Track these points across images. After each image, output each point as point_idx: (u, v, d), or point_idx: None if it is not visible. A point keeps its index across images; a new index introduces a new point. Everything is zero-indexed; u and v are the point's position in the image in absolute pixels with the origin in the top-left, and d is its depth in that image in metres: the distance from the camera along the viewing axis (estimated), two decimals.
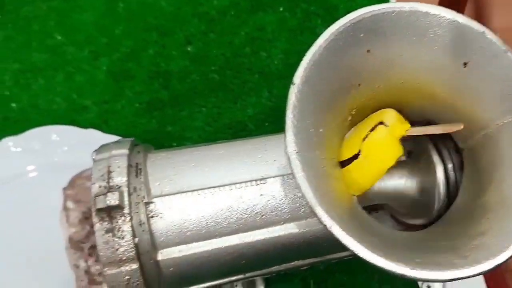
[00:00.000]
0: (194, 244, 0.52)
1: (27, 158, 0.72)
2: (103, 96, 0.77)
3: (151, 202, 0.50)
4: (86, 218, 0.67)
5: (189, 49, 0.80)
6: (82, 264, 0.65)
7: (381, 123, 0.50)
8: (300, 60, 0.43)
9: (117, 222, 0.49)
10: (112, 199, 0.49)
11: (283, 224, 0.52)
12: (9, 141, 0.71)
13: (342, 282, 0.68)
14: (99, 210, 0.49)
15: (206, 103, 0.76)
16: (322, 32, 0.46)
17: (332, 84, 0.50)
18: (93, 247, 0.66)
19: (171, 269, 0.52)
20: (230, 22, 0.81)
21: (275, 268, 0.55)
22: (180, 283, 0.52)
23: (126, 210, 0.50)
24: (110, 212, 0.49)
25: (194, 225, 0.51)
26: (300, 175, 0.42)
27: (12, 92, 0.77)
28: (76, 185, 0.69)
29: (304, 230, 0.52)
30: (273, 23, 0.80)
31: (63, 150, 0.74)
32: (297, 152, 0.44)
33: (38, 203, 0.69)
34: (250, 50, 0.78)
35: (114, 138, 0.71)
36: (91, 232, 0.67)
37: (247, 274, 0.55)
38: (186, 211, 0.51)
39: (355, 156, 0.50)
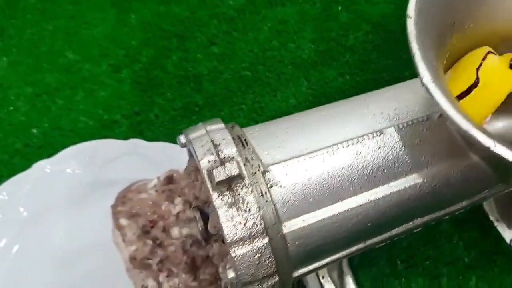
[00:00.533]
0: (318, 212, 0.47)
1: (66, 179, 0.65)
2: (133, 108, 0.71)
3: (267, 171, 0.46)
4: (145, 232, 0.60)
5: (214, 50, 0.77)
6: (152, 283, 0.58)
7: (489, 52, 0.49)
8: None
9: (239, 194, 0.44)
10: (232, 169, 0.44)
11: (405, 176, 0.49)
12: (45, 164, 0.64)
13: (427, 255, 0.65)
14: (219, 184, 0.43)
15: (245, 100, 0.72)
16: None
17: (436, 20, 0.48)
18: (162, 261, 0.59)
19: (297, 242, 0.47)
20: (250, 19, 0.78)
21: (394, 231, 0.51)
22: (305, 258, 0.47)
23: (247, 180, 0.45)
24: (230, 185, 0.44)
25: (316, 190, 0.47)
26: (447, 105, 0.40)
27: (30, 117, 0.70)
28: (128, 200, 0.62)
29: (428, 180, 0.49)
30: (294, 15, 0.78)
31: (103, 165, 0.67)
32: (433, 82, 0.41)
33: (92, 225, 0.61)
34: (278, 43, 0.76)
35: (159, 145, 0.66)
36: (156, 246, 0.60)
37: (367, 242, 0.50)
38: (305, 176, 0.47)
39: (470, 89, 0.48)
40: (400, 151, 0.49)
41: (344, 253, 0.51)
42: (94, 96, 0.72)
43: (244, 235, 0.44)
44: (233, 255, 0.44)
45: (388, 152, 0.49)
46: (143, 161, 0.67)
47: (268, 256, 0.45)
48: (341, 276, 0.62)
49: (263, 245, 0.45)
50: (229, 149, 0.46)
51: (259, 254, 0.45)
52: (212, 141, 0.47)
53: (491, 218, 0.65)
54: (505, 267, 0.62)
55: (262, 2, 0.80)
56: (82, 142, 0.66)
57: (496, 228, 0.64)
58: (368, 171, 0.48)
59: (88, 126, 0.70)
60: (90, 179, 0.66)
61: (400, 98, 0.51)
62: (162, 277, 0.59)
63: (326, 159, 0.48)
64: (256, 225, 0.44)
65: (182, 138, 0.48)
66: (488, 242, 0.63)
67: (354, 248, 0.51)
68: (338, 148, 0.48)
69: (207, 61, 0.76)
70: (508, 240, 0.66)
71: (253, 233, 0.44)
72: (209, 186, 0.44)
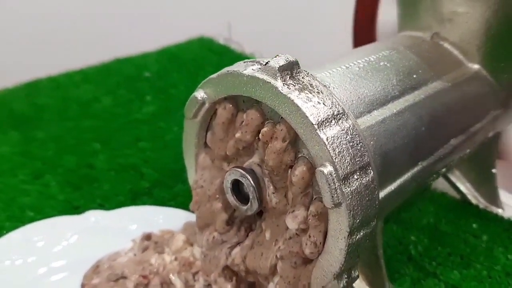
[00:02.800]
0: (376, 112, 0.44)
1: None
2: (71, 204, 0.61)
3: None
4: None
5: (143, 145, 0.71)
6: None
7: None
8: None
9: (303, 81, 0.40)
10: (289, 56, 0.40)
11: (431, 82, 0.49)
12: None
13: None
14: (280, 70, 0.39)
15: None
16: None
17: None
18: None
19: (371, 142, 0.42)
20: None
21: (440, 150, 0.48)
22: (382, 168, 0.42)
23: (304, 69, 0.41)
24: (292, 73, 0.40)
25: (366, 91, 0.44)
26: None
27: None
28: (102, 270, 0.50)
29: (445, 86, 0.50)
30: None
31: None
32: None
33: None
34: None
35: (121, 212, 0.56)
36: None
37: (424, 163, 0.47)
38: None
39: None
40: (418, 61, 0.49)
41: (408, 174, 0.45)
42: (17, 202, 0.59)
43: (328, 114, 0.38)
44: (324, 137, 0.37)
45: (410, 62, 0.49)
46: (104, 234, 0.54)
47: (359, 139, 0.38)
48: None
49: (350, 126, 0.39)
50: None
51: (350, 136, 0.38)
52: None
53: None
54: None
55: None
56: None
57: None
58: (402, 76, 0.47)
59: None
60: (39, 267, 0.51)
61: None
62: None
63: (370, 63, 0.46)
64: (336, 105, 0.39)
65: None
66: None
67: (415, 169, 0.46)
68: (376, 57, 0.47)
69: (139, 154, 0.69)
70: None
71: (335, 113, 0.38)
72: (278, 75, 0.38)
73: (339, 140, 0.38)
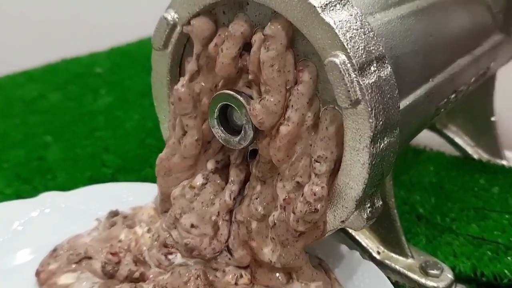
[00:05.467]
0: (379, 15, 0.38)
1: None
2: (21, 197, 0.51)
3: None
4: (110, 276, 0.41)
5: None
6: None
7: None
8: None
9: None
10: None
11: None
12: None
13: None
14: None
15: None
16: None
17: None
18: None
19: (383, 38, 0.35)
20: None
21: (455, 65, 0.43)
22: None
23: None
24: None
25: None
26: None
27: None
28: (61, 254, 0.42)
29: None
30: None
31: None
32: None
33: None
34: None
35: (80, 192, 0.48)
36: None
37: (435, 80, 0.41)
38: None
39: None
40: None
41: (421, 90, 0.39)
42: None
43: None
44: (330, 21, 0.30)
45: None
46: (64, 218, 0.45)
47: (369, 28, 0.32)
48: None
49: (358, 13, 0.32)
50: None
51: (359, 22, 0.31)
52: None
53: None
54: None
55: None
56: None
57: None
58: None
59: None
60: None
61: None
62: None
63: None
64: None
65: None
66: None
67: (427, 85, 0.39)
68: None
69: (98, 142, 0.61)
70: None
71: None
72: None
73: (348, 25, 0.31)
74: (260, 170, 0.37)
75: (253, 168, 0.38)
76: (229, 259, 0.40)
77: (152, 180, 0.49)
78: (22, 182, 0.54)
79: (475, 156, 0.61)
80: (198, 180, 0.39)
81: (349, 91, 0.30)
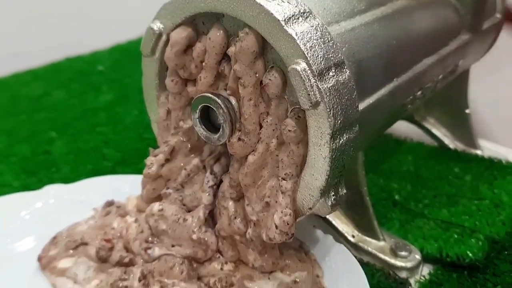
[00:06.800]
0: (344, 23, 0.42)
1: None
2: (27, 189, 0.56)
3: None
4: (103, 260, 0.45)
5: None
6: None
7: None
8: None
9: None
10: None
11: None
12: None
13: None
14: None
15: None
16: None
17: None
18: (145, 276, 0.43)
19: (344, 49, 0.39)
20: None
21: (410, 70, 0.46)
22: (358, 78, 0.40)
23: None
24: None
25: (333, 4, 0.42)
26: None
27: None
28: (60, 240, 0.45)
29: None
30: None
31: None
32: None
33: None
34: None
35: (80, 184, 0.52)
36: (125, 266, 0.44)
37: (399, 80, 0.45)
38: None
39: None
40: None
41: (385, 89, 0.43)
42: None
43: (294, 11, 0.36)
44: (292, 32, 0.34)
45: None
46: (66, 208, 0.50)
47: (330, 37, 0.36)
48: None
49: (319, 24, 0.36)
50: None
51: (320, 32, 0.36)
52: None
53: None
54: None
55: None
56: None
57: None
58: None
59: None
60: None
61: None
62: None
63: None
64: (301, 4, 0.36)
65: None
66: None
67: (391, 85, 0.43)
68: None
69: (99, 137, 0.65)
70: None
71: (301, 11, 0.36)
72: None
73: (309, 36, 0.35)
74: (232, 192, 0.42)
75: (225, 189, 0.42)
76: (219, 257, 0.45)
77: None
78: (29, 175, 0.58)
79: (451, 146, 0.65)
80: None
81: (309, 94, 0.34)
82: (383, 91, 0.43)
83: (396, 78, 0.44)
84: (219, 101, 0.39)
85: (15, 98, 0.76)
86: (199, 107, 0.40)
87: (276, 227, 0.39)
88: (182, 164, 0.45)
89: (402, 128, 0.68)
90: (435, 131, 0.65)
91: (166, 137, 0.45)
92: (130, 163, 0.61)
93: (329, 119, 0.34)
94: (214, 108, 0.39)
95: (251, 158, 0.39)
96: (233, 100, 0.40)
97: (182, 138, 0.44)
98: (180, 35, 0.40)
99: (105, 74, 0.84)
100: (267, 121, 0.38)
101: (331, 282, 0.43)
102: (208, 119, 0.41)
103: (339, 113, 0.35)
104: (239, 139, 0.39)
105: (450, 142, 0.65)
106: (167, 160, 0.45)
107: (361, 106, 0.40)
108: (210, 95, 0.39)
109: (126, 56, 0.90)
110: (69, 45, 0.89)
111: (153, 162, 0.45)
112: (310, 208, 0.38)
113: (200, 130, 0.41)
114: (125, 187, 0.52)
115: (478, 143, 0.64)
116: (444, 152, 0.65)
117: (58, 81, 0.81)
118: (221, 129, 0.40)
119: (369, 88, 0.41)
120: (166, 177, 0.46)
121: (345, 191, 0.39)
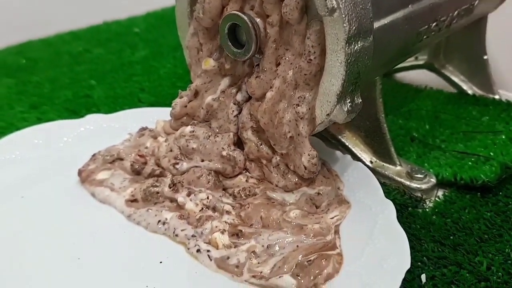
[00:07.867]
0: None
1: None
2: (69, 118, 0.60)
3: None
4: (137, 172, 0.49)
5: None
6: (167, 215, 0.46)
7: None
8: None
9: None
10: None
11: None
12: None
13: None
14: None
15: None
16: None
17: None
18: (175, 184, 0.46)
19: None
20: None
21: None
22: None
23: None
24: None
25: None
26: None
27: None
28: (98, 156, 0.51)
29: None
30: None
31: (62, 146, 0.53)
32: None
33: None
34: None
35: (118, 115, 0.57)
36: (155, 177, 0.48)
37: (415, 5, 0.48)
38: None
39: None
40: None
41: (400, 13, 0.46)
42: (16, 126, 0.60)
43: None
44: None
45: None
46: (104, 134, 0.54)
47: None
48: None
49: None
50: None
51: None
52: None
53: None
54: None
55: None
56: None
57: None
58: None
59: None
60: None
61: None
62: (181, 196, 0.44)
63: None
64: None
65: None
66: None
67: (406, 10, 0.46)
68: None
69: (135, 85, 0.70)
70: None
71: None
72: None
73: None
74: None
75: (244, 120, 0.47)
76: (245, 173, 0.49)
77: None
78: (71, 113, 0.63)
79: (470, 92, 0.67)
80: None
81: (326, 0, 0.38)
82: (398, 14, 0.46)
83: (411, 5, 0.47)
84: (245, 17, 0.43)
85: (57, 54, 0.81)
86: (227, 25, 0.44)
87: (305, 168, 0.44)
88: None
89: (422, 77, 0.70)
90: (454, 77, 0.68)
91: (198, 71, 0.49)
92: (163, 105, 0.65)
93: (344, 24, 0.38)
94: (240, 25, 0.43)
95: (269, 94, 0.43)
96: (258, 19, 0.43)
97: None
98: None
99: (141, 35, 0.89)
100: (285, 58, 0.42)
101: (349, 192, 0.46)
102: (235, 39, 0.45)
103: (353, 20, 0.38)
104: (257, 77, 0.43)
105: (469, 88, 0.67)
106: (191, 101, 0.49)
107: (376, 24, 0.43)
108: (237, 12, 0.43)
109: (160, 20, 0.95)
110: (107, 11, 0.94)
111: (177, 103, 0.49)
112: (328, 114, 0.42)
113: (228, 47, 0.45)
114: (158, 117, 0.56)
115: (496, 89, 0.66)
116: (462, 97, 0.67)
117: (97, 40, 0.86)
118: (246, 44, 0.43)
119: (384, 9, 0.44)
120: (192, 114, 0.50)
121: (360, 100, 0.42)
